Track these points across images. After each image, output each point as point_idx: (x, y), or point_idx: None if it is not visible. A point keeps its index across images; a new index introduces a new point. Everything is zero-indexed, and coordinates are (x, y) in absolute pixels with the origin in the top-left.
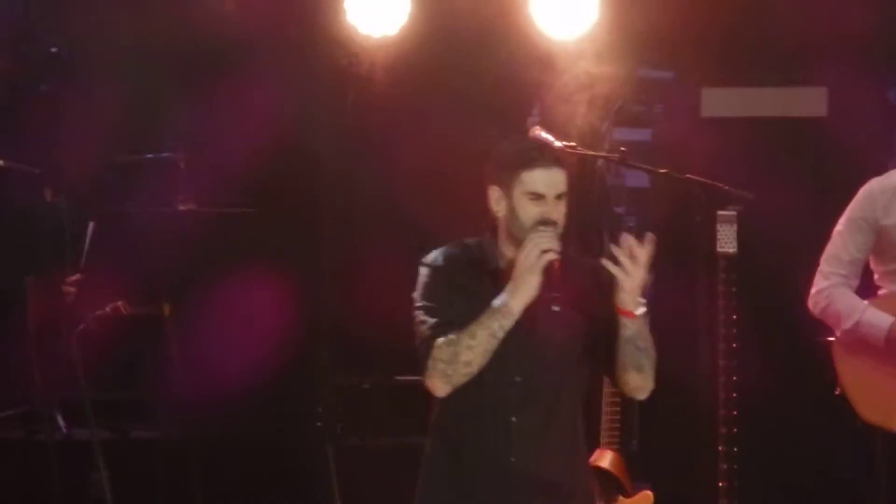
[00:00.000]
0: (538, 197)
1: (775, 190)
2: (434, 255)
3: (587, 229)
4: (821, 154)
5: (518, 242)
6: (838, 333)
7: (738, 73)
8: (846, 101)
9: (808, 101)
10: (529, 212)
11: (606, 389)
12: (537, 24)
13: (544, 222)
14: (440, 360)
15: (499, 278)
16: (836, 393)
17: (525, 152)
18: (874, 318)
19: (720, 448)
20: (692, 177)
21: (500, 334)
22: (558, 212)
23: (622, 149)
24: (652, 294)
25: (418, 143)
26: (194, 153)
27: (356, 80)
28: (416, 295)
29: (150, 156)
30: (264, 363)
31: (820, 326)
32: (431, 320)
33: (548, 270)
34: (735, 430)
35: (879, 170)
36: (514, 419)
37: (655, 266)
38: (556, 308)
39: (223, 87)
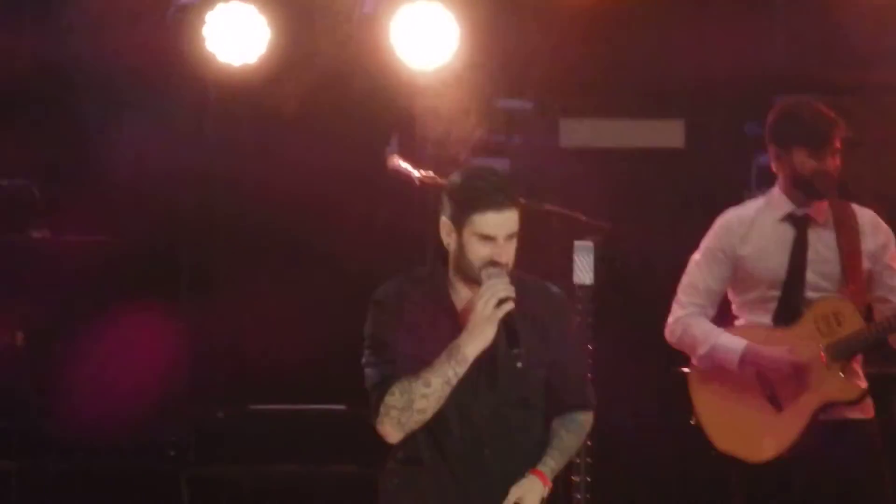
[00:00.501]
0: (488, 238)
1: (633, 220)
2: (383, 291)
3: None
4: (678, 185)
5: (466, 279)
6: (694, 361)
7: (597, 104)
8: (703, 133)
9: (666, 133)
10: (479, 252)
11: None
12: (397, 53)
13: (494, 263)
14: (393, 408)
15: (455, 317)
16: (692, 423)
17: (478, 193)
18: (728, 341)
19: (574, 478)
20: (550, 207)
21: (455, 381)
22: (507, 253)
23: None
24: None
25: (277, 170)
26: (51, 181)
27: (215, 107)
28: (366, 332)
29: (3, 183)
30: (120, 392)
31: (678, 356)
32: (381, 363)
33: (507, 324)
34: (589, 460)
35: (736, 200)
36: (486, 451)
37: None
38: (519, 364)
39: (83, 115)
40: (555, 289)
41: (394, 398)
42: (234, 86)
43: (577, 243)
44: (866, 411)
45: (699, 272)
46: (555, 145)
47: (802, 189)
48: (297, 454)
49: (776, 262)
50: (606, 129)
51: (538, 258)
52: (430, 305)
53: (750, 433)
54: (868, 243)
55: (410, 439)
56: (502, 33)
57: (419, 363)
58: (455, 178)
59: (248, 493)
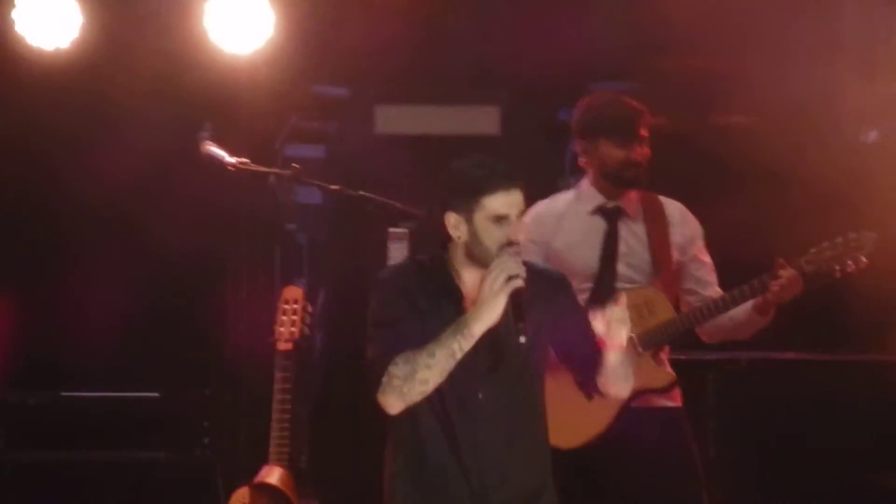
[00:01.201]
0: (502, 219)
1: None
2: (387, 273)
3: (258, 246)
4: None
5: (481, 265)
6: None
7: (413, 90)
8: (518, 120)
9: (482, 120)
10: (495, 235)
11: (276, 406)
12: (211, 38)
13: (510, 243)
14: (396, 377)
15: (459, 299)
16: None
17: (484, 177)
18: None
19: None
20: (365, 193)
21: (459, 355)
22: (520, 230)
23: (295, 165)
24: (324, 311)
25: (90, 155)
26: None
27: (26, 91)
28: (370, 312)
29: None
30: None
31: None
32: (386, 337)
33: (514, 299)
34: None
35: (551, 187)
36: (480, 438)
37: (327, 282)
38: (523, 339)
39: None
40: (553, 270)
41: (397, 368)
42: (46, 70)
43: (391, 230)
44: (675, 398)
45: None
46: (370, 132)
47: (611, 180)
48: (108, 441)
49: (588, 254)
50: (422, 116)
51: (353, 244)
52: (434, 289)
53: (561, 420)
54: (677, 235)
55: (412, 437)
56: (318, 19)
57: (423, 341)
58: (454, 169)
59: (58, 479)
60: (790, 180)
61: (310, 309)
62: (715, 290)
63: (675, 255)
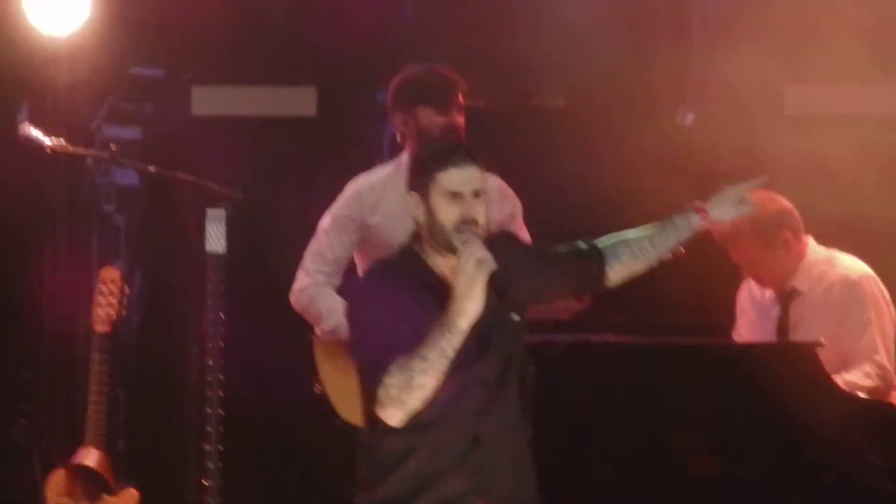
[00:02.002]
0: (455, 196)
1: (266, 188)
2: (365, 286)
3: (75, 228)
4: (310, 153)
5: (442, 248)
6: (318, 332)
7: (229, 72)
8: (335, 101)
9: (298, 101)
10: (448, 213)
11: (92, 388)
12: (28, 18)
13: (465, 222)
14: (393, 387)
15: (439, 290)
16: (316, 391)
17: (437, 153)
18: None
19: (207, 447)
20: (181, 175)
21: (451, 353)
22: (477, 210)
23: (112, 146)
24: (141, 293)
25: None
26: None
27: None
28: (354, 325)
29: None
30: None
31: (307, 325)
32: (374, 349)
33: (492, 282)
34: (222, 430)
35: (368, 168)
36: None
37: (147, 264)
38: (516, 317)
39: None
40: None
41: (392, 378)
42: None
43: (209, 211)
44: None
45: (327, 239)
46: (187, 113)
47: None
48: None
49: (406, 229)
50: (238, 97)
51: (170, 226)
52: (413, 282)
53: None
54: (495, 212)
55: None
56: (134, 1)
57: (416, 342)
58: (414, 152)
59: None
60: (608, 162)
61: (127, 291)
62: None
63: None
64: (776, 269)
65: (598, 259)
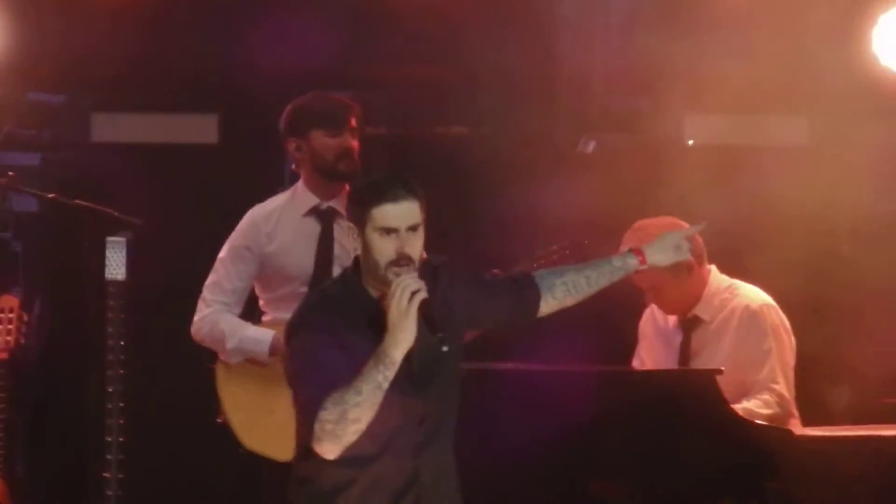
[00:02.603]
0: (389, 231)
1: (167, 216)
2: (303, 316)
3: None
4: (212, 180)
5: (377, 280)
6: (222, 356)
7: (129, 98)
8: (237, 129)
9: (199, 128)
10: (382, 248)
11: None
12: None
13: (399, 258)
14: (328, 422)
15: (378, 317)
16: (219, 420)
17: (373, 188)
18: (257, 333)
19: (106, 475)
20: (81, 202)
21: (385, 385)
22: (411, 245)
23: (10, 173)
24: (41, 320)
25: None
26: None
27: None
28: (296, 363)
29: None
30: None
31: (210, 352)
32: (313, 382)
33: (423, 312)
34: (122, 457)
35: (269, 196)
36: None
37: (46, 292)
38: (445, 349)
39: None
40: (438, 259)
41: (326, 412)
42: None
43: (109, 239)
44: None
45: (224, 270)
46: (86, 140)
47: (325, 174)
48: None
49: (303, 258)
50: (139, 124)
51: (70, 254)
52: (352, 310)
53: (279, 430)
54: None
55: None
56: (33, 26)
57: (354, 372)
58: (353, 184)
59: None
60: (511, 189)
61: (25, 318)
62: None
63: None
64: (680, 295)
65: (534, 292)
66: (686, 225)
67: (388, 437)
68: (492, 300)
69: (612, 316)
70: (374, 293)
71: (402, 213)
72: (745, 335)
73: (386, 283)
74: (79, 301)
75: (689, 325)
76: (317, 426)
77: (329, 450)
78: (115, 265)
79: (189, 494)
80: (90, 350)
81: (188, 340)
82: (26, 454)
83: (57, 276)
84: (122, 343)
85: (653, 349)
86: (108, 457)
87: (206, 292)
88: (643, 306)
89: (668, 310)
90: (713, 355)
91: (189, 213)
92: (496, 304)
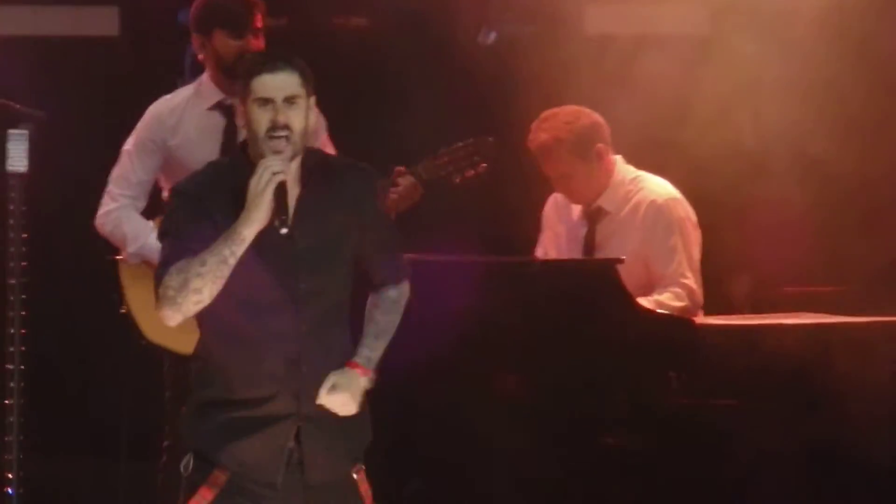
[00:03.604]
0: (266, 102)
1: (69, 109)
2: (183, 182)
3: None
4: (113, 73)
5: (258, 154)
6: (124, 255)
7: None
8: (137, 21)
9: (100, 20)
10: (260, 119)
11: None
12: None
13: (274, 127)
14: (170, 288)
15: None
16: (122, 311)
17: (255, 60)
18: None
19: (9, 367)
20: None
21: (232, 261)
22: (288, 115)
23: None
24: None
25: None
26: None
27: None
28: (162, 223)
29: None
30: None
31: (111, 246)
32: (168, 248)
33: (277, 193)
34: (24, 348)
35: (170, 89)
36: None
37: None
38: (284, 230)
39: None
40: (363, 165)
41: (170, 278)
42: None
43: (10, 132)
44: None
45: (130, 164)
46: None
47: (228, 73)
48: None
49: (207, 151)
50: (39, 16)
51: None
52: (226, 189)
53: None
54: None
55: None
56: None
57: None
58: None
59: None
60: (410, 84)
61: None
62: None
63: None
64: (588, 182)
65: (374, 282)
66: (593, 114)
67: (264, 316)
68: (367, 246)
69: (511, 204)
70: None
71: (278, 83)
72: (652, 229)
73: (262, 156)
74: None
75: (594, 216)
76: (160, 290)
77: (169, 316)
78: (17, 157)
79: (93, 387)
80: None
81: (91, 233)
82: None
83: None
84: (25, 235)
85: (557, 239)
86: (11, 349)
87: (112, 185)
88: (542, 196)
89: (574, 198)
90: (618, 248)
91: (91, 107)
92: (365, 250)
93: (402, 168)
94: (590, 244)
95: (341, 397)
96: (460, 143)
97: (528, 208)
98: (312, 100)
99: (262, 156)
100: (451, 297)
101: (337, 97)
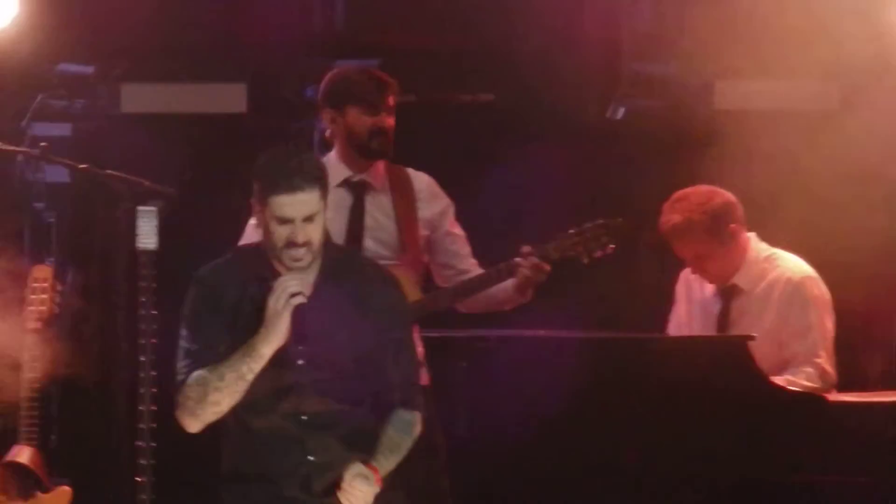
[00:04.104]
0: (285, 221)
1: (197, 185)
2: (203, 269)
3: (5, 227)
4: (241, 149)
5: (275, 259)
6: None
7: (158, 68)
8: (265, 98)
9: (228, 98)
10: (279, 234)
11: (24, 385)
12: None
13: (292, 245)
14: (190, 399)
15: (264, 303)
16: None
17: (273, 175)
18: None
19: (140, 444)
20: (112, 172)
21: (250, 377)
22: (307, 233)
23: (42, 144)
24: (72, 290)
25: None
26: None
27: None
28: (183, 311)
29: None
30: None
31: None
32: (190, 346)
33: (295, 318)
34: (154, 425)
35: None
36: (304, 418)
37: (79, 261)
38: (300, 362)
39: None
40: (384, 272)
41: (190, 389)
42: None
43: (140, 208)
44: (422, 379)
45: (256, 236)
46: (117, 110)
47: (358, 150)
48: None
49: (335, 229)
50: (168, 94)
51: (102, 223)
52: (249, 279)
53: None
54: (424, 210)
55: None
56: None
57: (230, 342)
58: (258, 161)
59: None
60: (538, 157)
61: (58, 288)
62: (470, 262)
63: (423, 230)
64: (723, 262)
65: (389, 403)
66: (726, 193)
67: (271, 408)
68: (379, 351)
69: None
70: (278, 267)
71: (297, 203)
72: (787, 307)
73: (282, 264)
74: (110, 271)
75: (728, 293)
76: (180, 398)
77: (188, 424)
78: (147, 235)
79: (220, 460)
80: (122, 318)
81: None
82: (60, 424)
83: (89, 246)
84: (154, 312)
85: (690, 315)
86: (141, 425)
87: None
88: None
89: (709, 278)
90: (753, 326)
91: (219, 182)
92: (379, 355)
93: (528, 248)
94: (724, 322)
95: (363, 493)
96: (589, 224)
97: (654, 284)
98: (327, 199)
99: (279, 261)
100: (580, 374)
101: (463, 174)
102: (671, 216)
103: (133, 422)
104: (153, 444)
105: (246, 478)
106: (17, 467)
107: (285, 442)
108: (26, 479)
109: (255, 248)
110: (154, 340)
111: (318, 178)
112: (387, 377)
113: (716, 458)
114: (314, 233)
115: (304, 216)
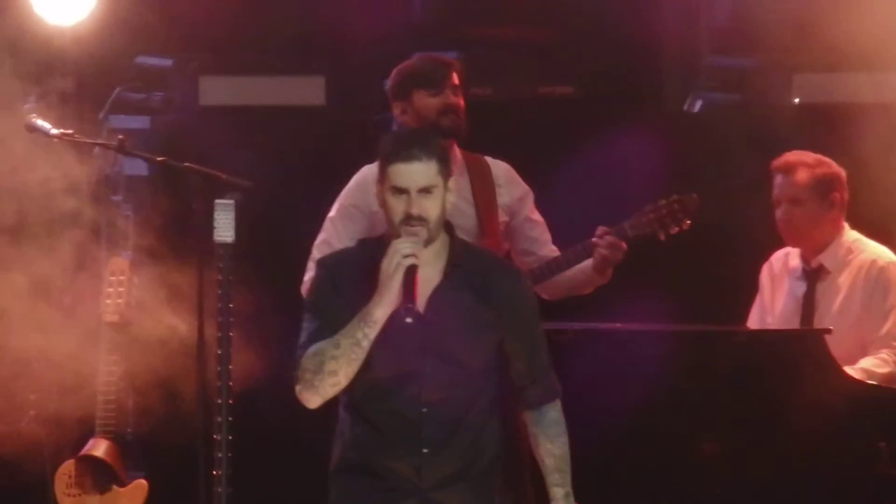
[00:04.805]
0: (400, 192)
1: (275, 178)
2: (329, 255)
3: (84, 219)
4: (319, 142)
5: (396, 236)
6: None
7: (236, 61)
8: (343, 90)
9: (307, 90)
10: (394, 207)
11: (101, 378)
12: (34, 8)
13: (408, 217)
14: (307, 371)
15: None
16: None
17: (388, 146)
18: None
19: (215, 436)
20: (190, 165)
21: (365, 343)
22: (423, 206)
23: (120, 136)
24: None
25: None
26: None
27: None
28: (304, 293)
29: None
30: None
31: None
32: (310, 326)
33: (406, 278)
34: (231, 419)
35: (375, 159)
36: (424, 409)
37: (156, 254)
38: (409, 319)
39: None
40: (510, 264)
41: (307, 360)
42: None
43: (217, 201)
44: None
45: (334, 229)
46: (194, 103)
47: None
48: None
49: None
50: (246, 87)
51: (179, 216)
52: (368, 267)
53: None
54: (504, 196)
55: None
56: None
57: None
58: (382, 139)
59: None
60: (617, 150)
61: (136, 281)
62: (550, 249)
63: (503, 216)
64: (812, 223)
65: (531, 400)
66: (842, 170)
67: (390, 394)
68: (514, 355)
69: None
70: None
71: (413, 173)
72: (871, 290)
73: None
74: (188, 264)
75: (814, 275)
76: (298, 373)
77: (307, 399)
78: (224, 227)
79: (296, 453)
80: (199, 314)
81: (296, 302)
82: (136, 418)
83: (166, 238)
84: (231, 305)
85: (773, 301)
86: (218, 419)
87: (316, 251)
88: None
89: (792, 234)
90: (838, 308)
91: (297, 175)
92: (512, 359)
93: (605, 228)
94: (809, 304)
95: None
96: (664, 200)
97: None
98: (452, 182)
99: (398, 237)
100: (658, 367)
101: (541, 167)
102: (787, 155)
103: (209, 415)
104: (229, 437)
105: (356, 469)
106: (93, 461)
107: (401, 432)
108: (102, 473)
109: (377, 239)
110: (231, 333)
111: (437, 153)
112: (516, 372)
113: (793, 451)
114: (432, 208)
115: (420, 187)
